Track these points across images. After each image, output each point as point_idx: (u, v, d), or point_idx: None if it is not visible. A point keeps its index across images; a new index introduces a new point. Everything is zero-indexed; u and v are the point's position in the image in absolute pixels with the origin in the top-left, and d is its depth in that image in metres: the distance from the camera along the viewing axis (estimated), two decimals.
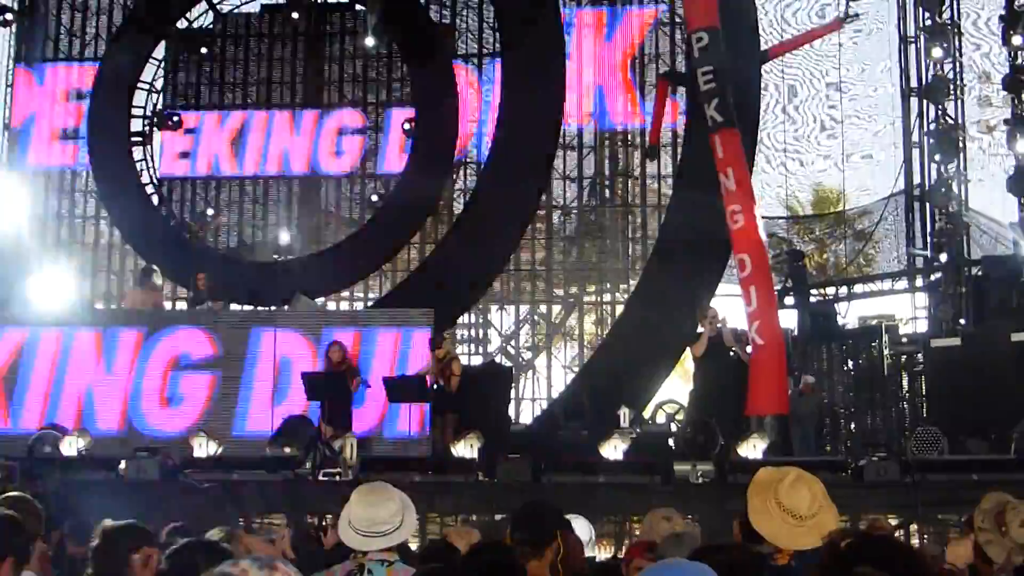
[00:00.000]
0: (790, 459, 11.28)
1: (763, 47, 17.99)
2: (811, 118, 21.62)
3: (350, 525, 4.25)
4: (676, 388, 17.90)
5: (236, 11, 21.26)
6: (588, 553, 5.20)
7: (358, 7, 20.58)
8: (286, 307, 15.75)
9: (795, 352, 15.51)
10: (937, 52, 17.90)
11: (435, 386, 13.20)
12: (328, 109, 20.41)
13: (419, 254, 19.92)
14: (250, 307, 16.84)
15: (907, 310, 19.19)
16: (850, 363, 17.38)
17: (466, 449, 11.84)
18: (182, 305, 17.96)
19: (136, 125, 20.51)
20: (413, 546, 6.30)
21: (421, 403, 13.04)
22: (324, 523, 8.31)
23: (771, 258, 16.25)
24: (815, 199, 24.30)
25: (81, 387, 13.75)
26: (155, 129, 20.61)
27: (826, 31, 17.92)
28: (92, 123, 19.93)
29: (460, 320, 19.37)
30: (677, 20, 19.21)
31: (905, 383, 17.02)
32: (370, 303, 19.59)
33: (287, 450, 11.85)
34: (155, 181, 20.53)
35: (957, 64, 18.28)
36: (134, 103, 20.46)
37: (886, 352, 16.55)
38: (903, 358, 16.89)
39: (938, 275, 18.13)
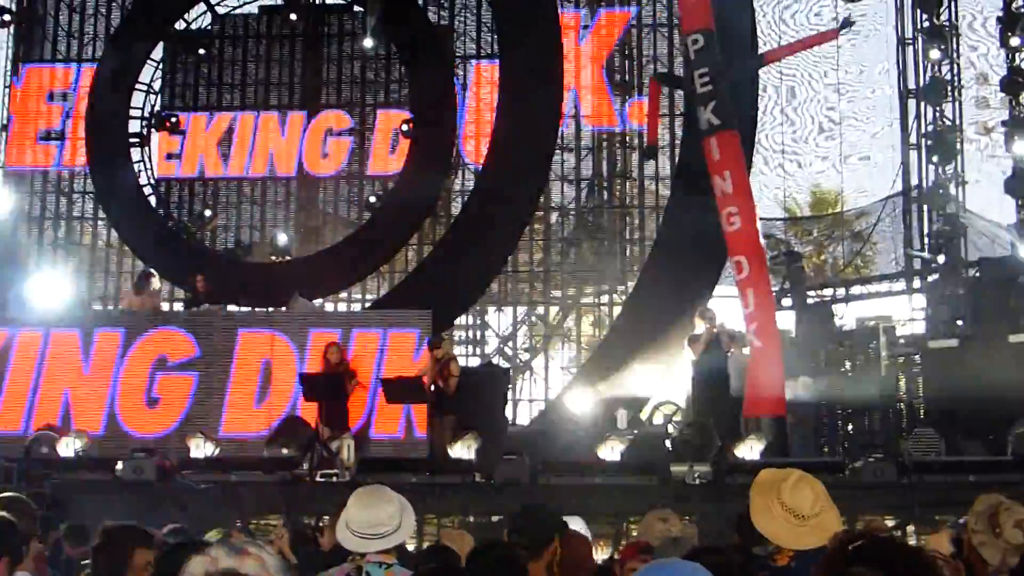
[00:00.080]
0: (787, 460, 11.30)
1: (761, 49, 18.02)
2: (809, 119, 21.64)
3: (348, 527, 4.25)
4: (674, 389, 17.89)
5: (234, 12, 21.27)
6: None
7: (356, 8, 20.60)
8: (284, 308, 15.73)
9: (792, 353, 15.50)
10: (935, 54, 17.91)
11: (433, 387, 13.20)
12: (322, 110, 20.40)
13: (417, 255, 19.93)
14: (247, 309, 16.83)
15: (905, 311, 19.19)
16: (847, 364, 17.38)
17: (463, 450, 11.84)
18: (179, 307, 17.94)
19: (134, 126, 20.52)
20: (411, 547, 6.30)
21: (419, 404, 13.04)
22: (321, 524, 8.32)
23: (769, 259, 16.25)
24: (813, 200, 24.29)
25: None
26: (153, 130, 20.61)
27: (822, 39, 17.91)
28: (90, 124, 19.92)
29: (458, 321, 19.36)
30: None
31: (902, 384, 17.03)
32: (368, 304, 19.58)
33: (284, 451, 11.85)
34: (153, 182, 20.53)
35: (955, 66, 18.29)
36: (132, 104, 20.47)
37: (883, 353, 16.55)
38: (900, 359, 16.90)
39: (936, 277, 18.13)
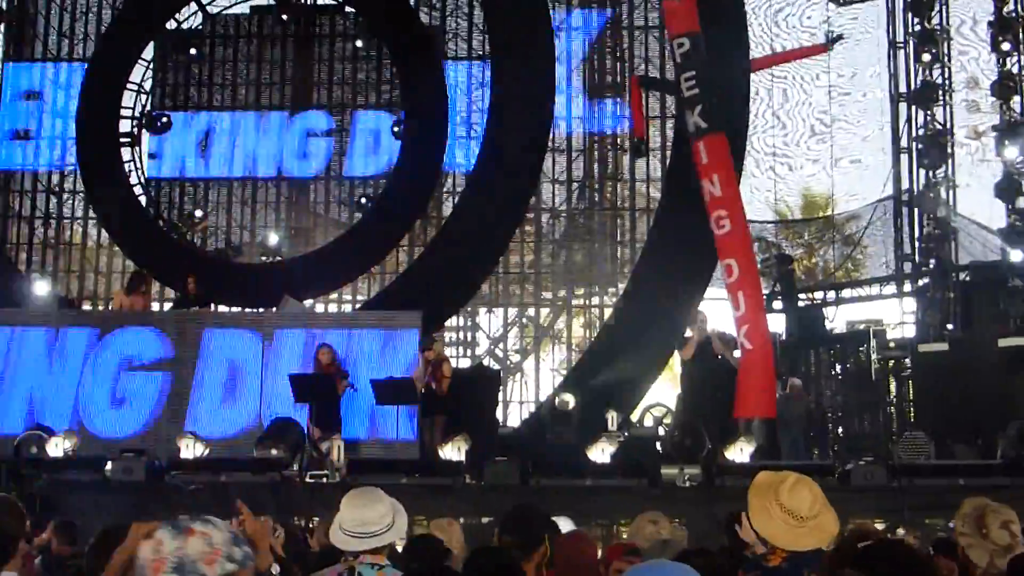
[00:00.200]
0: (777, 463, 11.32)
1: (752, 54, 18.04)
2: (800, 122, 21.67)
3: (340, 528, 4.25)
4: (664, 391, 17.92)
5: (225, 12, 21.24)
6: None
7: (347, 9, 20.58)
8: (274, 309, 15.70)
9: (783, 356, 15.54)
10: (926, 58, 17.96)
11: (424, 388, 13.18)
12: (308, 110, 20.39)
13: (408, 256, 19.91)
14: (237, 309, 16.80)
15: (895, 315, 19.25)
16: (838, 367, 17.43)
17: (454, 452, 11.82)
18: (169, 307, 17.89)
19: (125, 126, 20.45)
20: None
21: (409, 405, 13.02)
22: (310, 525, 8.30)
23: (760, 262, 16.28)
24: (804, 203, 24.31)
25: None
26: (143, 130, 20.55)
27: (810, 53, 17.93)
28: (80, 123, 19.85)
29: (448, 323, 19.35)
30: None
31: (893, 388, 17.07)
32: (358, 305, 19.55)
33: (274, 452, 11.81)
34: (143, 182, 20.47)
35: (946, 70, 18.34)
36: (123, 104, 20.41)
37: (874, 357, 16.59)
38: (891, 363, 16.93)
39: (926, 280, 18.17)
